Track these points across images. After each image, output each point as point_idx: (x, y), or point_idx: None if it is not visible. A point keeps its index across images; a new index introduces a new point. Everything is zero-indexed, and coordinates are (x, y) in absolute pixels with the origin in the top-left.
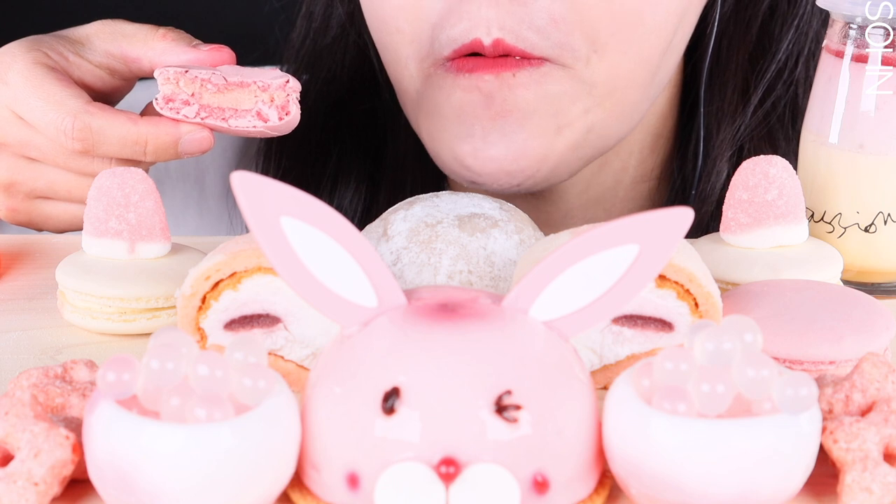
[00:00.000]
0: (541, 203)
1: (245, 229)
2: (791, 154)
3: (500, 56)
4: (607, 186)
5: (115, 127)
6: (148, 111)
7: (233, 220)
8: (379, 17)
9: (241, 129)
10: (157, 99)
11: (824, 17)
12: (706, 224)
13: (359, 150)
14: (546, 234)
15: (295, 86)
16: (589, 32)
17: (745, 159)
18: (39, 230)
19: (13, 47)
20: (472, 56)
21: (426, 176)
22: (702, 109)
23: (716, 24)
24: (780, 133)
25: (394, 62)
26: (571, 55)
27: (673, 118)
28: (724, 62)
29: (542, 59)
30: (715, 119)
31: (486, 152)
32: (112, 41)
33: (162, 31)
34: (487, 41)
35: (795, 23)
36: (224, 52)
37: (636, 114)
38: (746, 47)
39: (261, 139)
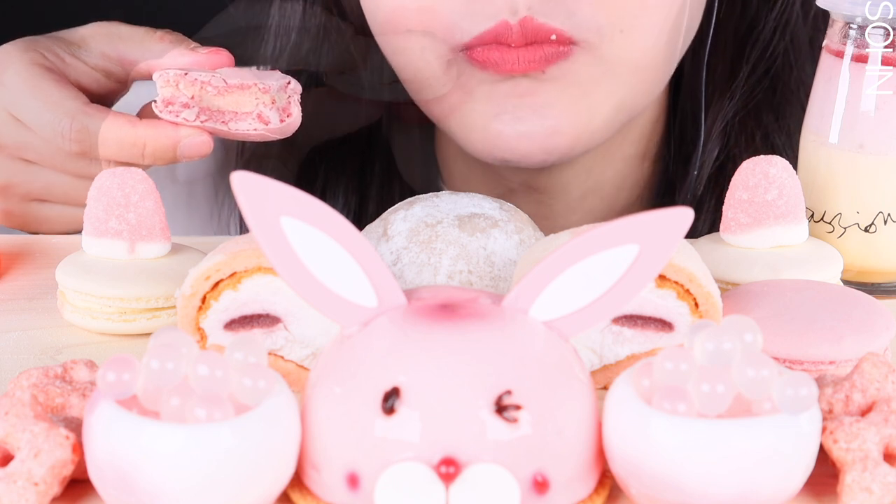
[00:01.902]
0: (544, 196)
1: (233, 231)
2: (772, 124)
3: (527, 45)
4: (607, 176)
5: (113, 129)
6: (144, 113)
7: (220, 223)
8: (388, 21)
9: (241, 132)
10: (156, 102)
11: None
12: (699, 198)
13: (344, 165)
14: (549, 225)
15: (296, 87)
16: (613, 11)
17: (732, 133)
18: (35, 233)
19: (9, 48)
20: (497, 45)
21: (415, 186)
22: (703, 86)
23: (721, 3)
24: (765, 106)
25: (407, 60)
26: (597, 34)
27: (666, 99)
28: (712, 39)
29: (569, 44)
30: (705, 95)
31: (520, 128)
32: (108, 43)
33: (159, 33)
34: (514, 20)
35: None
36: (222, 55)
37: (658, 89)
38: (733, 23)
39: (238, 157)
